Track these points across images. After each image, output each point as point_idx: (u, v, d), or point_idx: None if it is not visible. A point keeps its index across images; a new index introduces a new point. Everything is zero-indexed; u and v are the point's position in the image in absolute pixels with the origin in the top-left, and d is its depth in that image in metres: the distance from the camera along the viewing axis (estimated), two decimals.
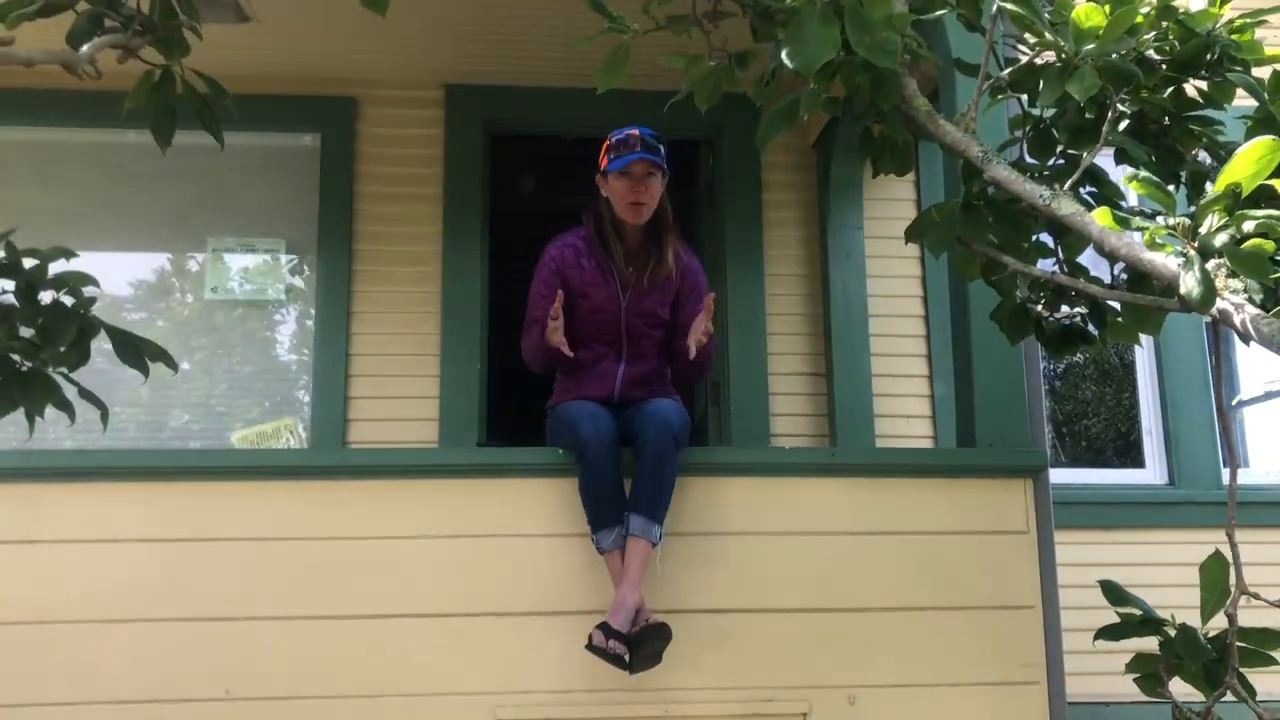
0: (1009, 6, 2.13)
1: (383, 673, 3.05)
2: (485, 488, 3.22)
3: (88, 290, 2.30)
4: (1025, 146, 2.51)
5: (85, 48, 2.12)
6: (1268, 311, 1.76)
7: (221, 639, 3.04)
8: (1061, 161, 2.43)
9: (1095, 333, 2.60)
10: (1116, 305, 2.51)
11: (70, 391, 2.33)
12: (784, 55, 2.08)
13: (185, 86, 2.39)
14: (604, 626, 2.87)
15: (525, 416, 4.82)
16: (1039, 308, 2.62)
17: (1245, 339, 1.80)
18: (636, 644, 2.88)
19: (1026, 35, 2.21)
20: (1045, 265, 2.56)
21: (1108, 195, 2.40)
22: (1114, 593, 2.50)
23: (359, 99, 4.98)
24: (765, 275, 5.02)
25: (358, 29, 4.42)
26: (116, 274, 4.86)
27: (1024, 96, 2.42)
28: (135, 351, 2.34)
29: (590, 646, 2.85)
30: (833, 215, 5.00)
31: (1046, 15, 2.16)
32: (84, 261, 2.36)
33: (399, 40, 4.59)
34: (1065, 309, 2.60)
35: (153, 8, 2.29)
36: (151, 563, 3.08)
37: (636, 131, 3.23)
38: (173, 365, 2.41)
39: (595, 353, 3.39)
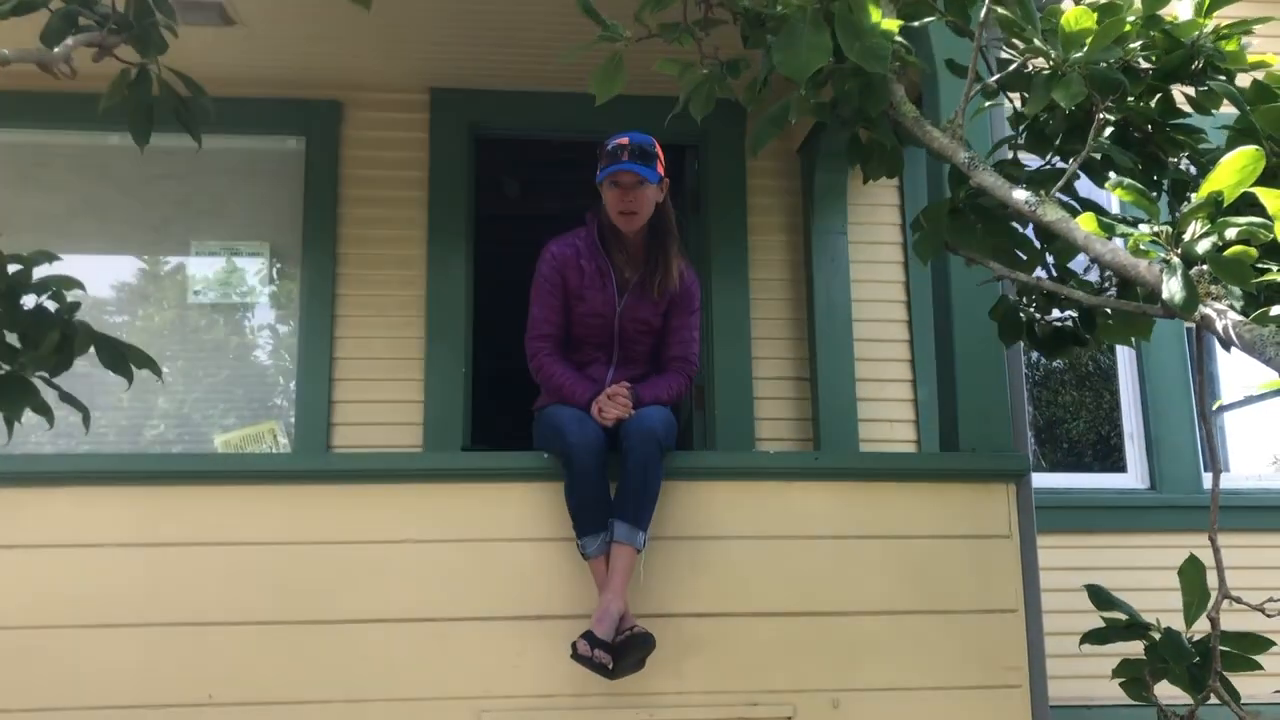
0: (1000, 11, 2.13)
1: (367, 677, 3.03)
2: (470, 492, 3.22)
3: (73, 294, 2.28)
4: (1022, 142, 2.50)
5: (59, 47, 2.11)
6: (1249, 317, 1.77)
7: (204, 644, 3.02)
8: (1058, 159, 2.44)
9: (1087, 335, 2.61)
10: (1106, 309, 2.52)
11: (50, 395, 2.30)
12: (775, 62, 2.08)
13: (162, 85, 2.37)
14: (589, 636, 2.86)
15: (510, 419, 4.81)
16: (1032, 310, 2.63)
17: (1226, 345, 1.80)
18: (620, 653, 2.88)
19: (1015, 41, 2.21)
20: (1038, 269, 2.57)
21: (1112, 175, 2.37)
22: (1100, 597, 2.52)
23: (344, 102, 4.97)
24: (750, 280, 5.03)
25: (343, 33, 4.42)
26: (99, 277, 4.83)
27: (1016, 97, 2.42)
28: (120, 358, 2.32)
29: (575, 656, 2.84)
30: (817, 220, 5.02)
31: (1038, 19, 2.17)
32: (66, 264, 2.34)
33: (384, 44, 4.58)
34: (1056, 312, 2.61)
35: (128, 6, 2.28)
36: (134, 567, 3.06)
37: (627, 140, 3.17)
38: (158, 373, 2.39)
39: (586, 356, 3.38)
